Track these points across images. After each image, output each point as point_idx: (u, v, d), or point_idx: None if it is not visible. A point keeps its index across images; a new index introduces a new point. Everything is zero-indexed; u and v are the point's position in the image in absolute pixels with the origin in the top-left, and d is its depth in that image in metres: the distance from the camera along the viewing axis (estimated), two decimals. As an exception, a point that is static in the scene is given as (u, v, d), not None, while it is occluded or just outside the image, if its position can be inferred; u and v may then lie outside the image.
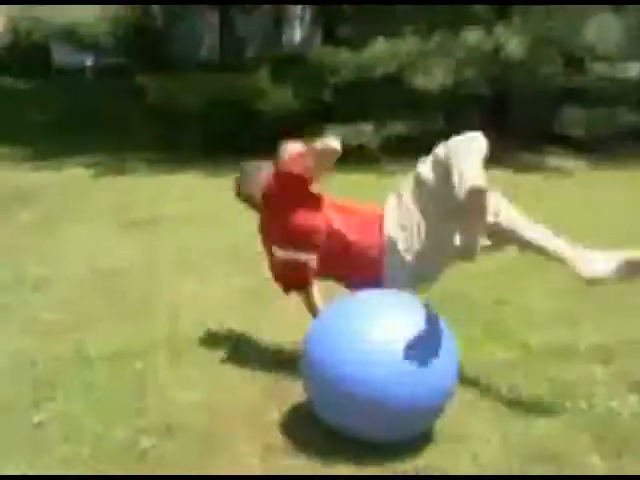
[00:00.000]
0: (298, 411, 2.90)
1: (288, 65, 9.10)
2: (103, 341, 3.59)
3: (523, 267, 4.55)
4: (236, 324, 3.78)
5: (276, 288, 3.87)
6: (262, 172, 3.23)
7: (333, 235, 3.04)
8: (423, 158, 2.89)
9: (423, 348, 2.51)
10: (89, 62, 16.42)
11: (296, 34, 14.41)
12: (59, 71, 17.07)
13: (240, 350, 3.47)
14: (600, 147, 9.42)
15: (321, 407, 2.66)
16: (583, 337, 3.58)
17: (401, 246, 2.91)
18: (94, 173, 8.42)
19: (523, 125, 9.82)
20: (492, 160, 8.74)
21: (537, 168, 8.31)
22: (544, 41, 8.09)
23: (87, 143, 9.79)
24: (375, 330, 2.52)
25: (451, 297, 4.04)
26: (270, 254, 3.21)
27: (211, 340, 3.60)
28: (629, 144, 9.63)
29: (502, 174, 7.93)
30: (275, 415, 2.87)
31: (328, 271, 3.14)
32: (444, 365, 2.56)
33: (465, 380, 3.11)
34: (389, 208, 2.99)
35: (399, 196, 2.98)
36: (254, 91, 8.37)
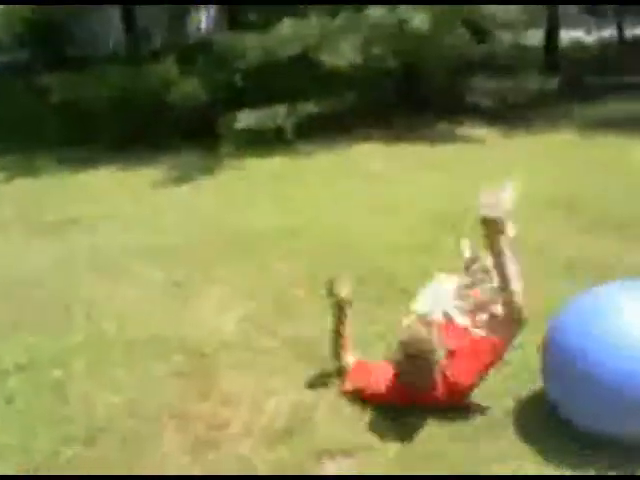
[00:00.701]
0: (227, 403, 2.88)
1: (195, 53, 8.94)
2: (20, 352, 3.47)
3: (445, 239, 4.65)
4: (157, 321, 3.71)
5: (197, 283, 3.85)
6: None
7: None
8: None
9: None
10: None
11: (202, 22, 14.20)
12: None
13: (162, 346, 3.41)
14: (511, 114, 9.63)
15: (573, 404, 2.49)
16: None
17: None
18: (2, 177, 8.10)
19: (435, 97, 9.94)
20: (407, 133, 8.81)
21: (451, 138, 8.41)
22: (448, 13, 8.18)
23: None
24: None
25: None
26: None
27: (132, 339, 3.52)
28: (538, 109, 9.88)
29: (417, 146, 8.03)
30: (202, 409, 2.84)
31: None
32: None
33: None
34: None
35: None
36: (162, 82, 8.18)
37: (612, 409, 2.34)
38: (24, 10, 8.01)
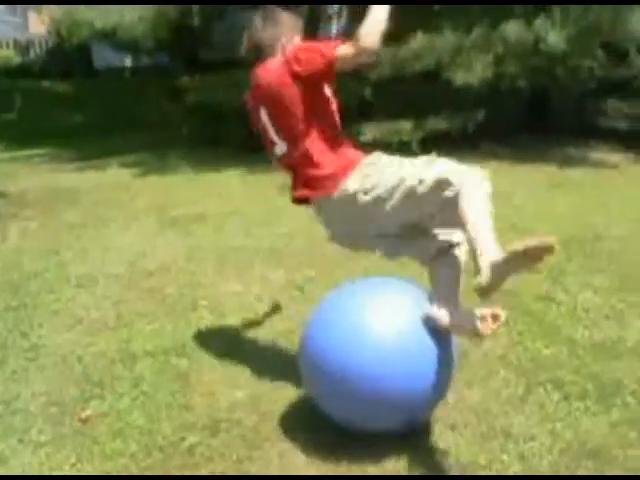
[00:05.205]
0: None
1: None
2: (147, 339, 3.64)
3: (569, 264, 4.53)
4: (281, 321, 3.78)
5: (319, 287, 3.88)
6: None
7: None
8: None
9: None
10: (128, 63, 16.63)
11: (333, 29, 14.38)
12: (99, 72, 17.39)
13: (281, 347, 3.48)
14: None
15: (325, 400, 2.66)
16: (630, 334, 3.51)
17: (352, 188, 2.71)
18: (138, 172, 8.48)
19: (566, 118, 9.65)
20: (535, 153, 8.60)
21: (580, 162, 8.14)
22: (586, 33, 7.92)
23: (129, 143, 9.88)
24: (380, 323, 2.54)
25: (498, 293, 4.03)
26: None
27: (257, 337, 3.63)
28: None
29: (544, 167, 7.83)
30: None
31: None
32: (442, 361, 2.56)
33: (511, 376, 3.10)
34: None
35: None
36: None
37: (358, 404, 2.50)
38: (170, 13, 8.38)
